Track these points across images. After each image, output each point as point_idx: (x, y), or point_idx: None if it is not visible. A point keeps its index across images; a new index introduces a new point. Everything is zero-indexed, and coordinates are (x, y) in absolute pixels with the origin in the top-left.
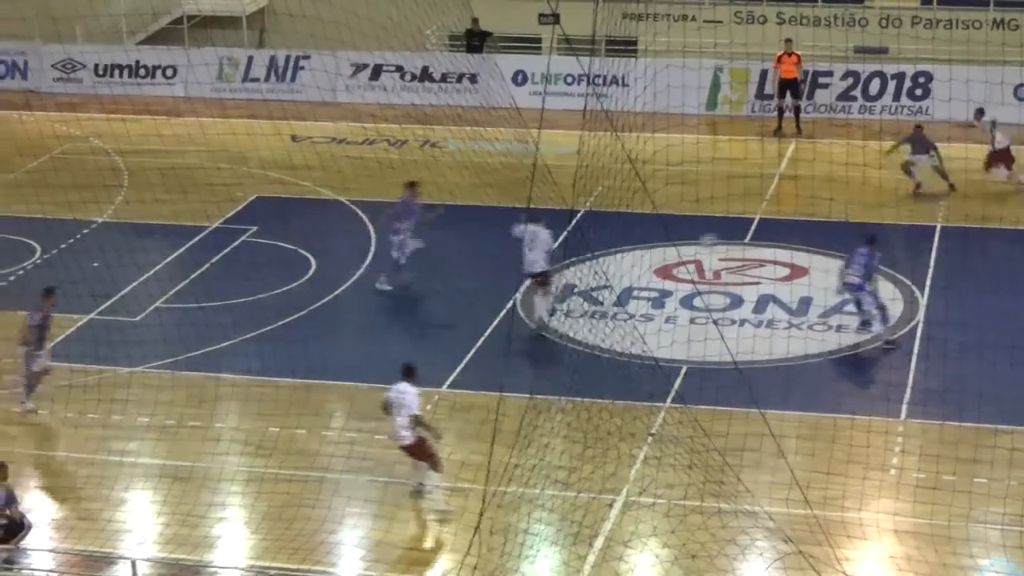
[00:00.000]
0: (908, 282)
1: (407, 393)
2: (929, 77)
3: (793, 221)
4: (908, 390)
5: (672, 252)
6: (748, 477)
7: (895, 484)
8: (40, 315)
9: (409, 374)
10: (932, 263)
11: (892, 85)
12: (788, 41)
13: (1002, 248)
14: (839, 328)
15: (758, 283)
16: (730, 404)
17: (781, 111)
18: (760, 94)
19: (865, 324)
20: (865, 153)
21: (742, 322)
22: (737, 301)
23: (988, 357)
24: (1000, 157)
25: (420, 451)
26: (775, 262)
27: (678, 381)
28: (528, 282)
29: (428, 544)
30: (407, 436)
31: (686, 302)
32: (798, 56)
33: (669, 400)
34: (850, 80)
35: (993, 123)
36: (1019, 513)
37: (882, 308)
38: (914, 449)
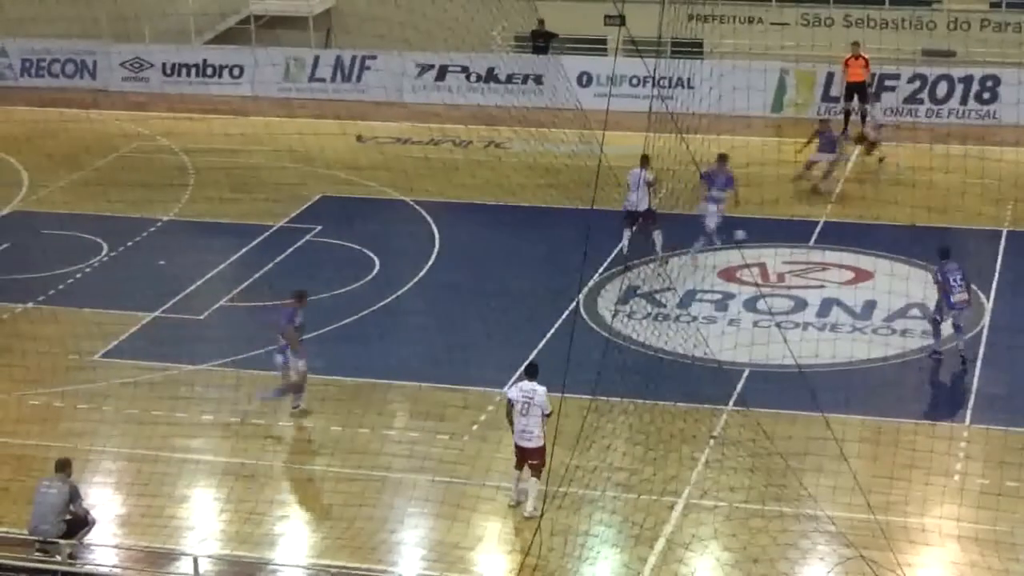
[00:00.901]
0: (973, 287)
1: (537, 392)
2: (997, 80)
3: (858, 225)
4: (972, 395)
5: (736, 254)
6: (810, 481)
7: (958, 490)
8: (300, 317)
9: (533, 373)
10: (998, 268)
11: (960, 88)
12: (856, 44)
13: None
14: (904, 332)
15: (822, 286)
16: (792, 407)
17: (848, 114)
18: (826, 96)
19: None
20: (932, 157)
21: (805, 325)
22: (801, 304)
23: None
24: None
25: (542, 455)
26: (840, 265)
27: (740, 384)
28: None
29: (489, 545)
30: (538, 437)
31: (749, 305)
32: (866, 59)
33: (731, 403)
34: (917, 83)
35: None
36: None
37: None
38: (978, 455)
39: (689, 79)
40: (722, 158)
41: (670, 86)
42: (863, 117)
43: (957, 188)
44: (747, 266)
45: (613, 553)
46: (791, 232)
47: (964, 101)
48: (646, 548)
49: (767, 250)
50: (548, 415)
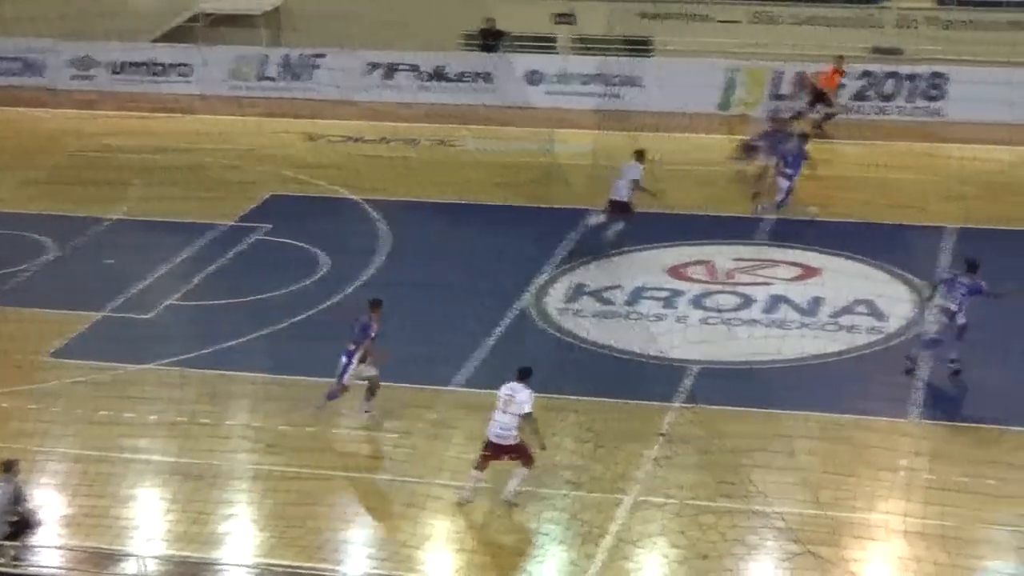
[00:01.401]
0: (922, 283)
1: (519, 391)
2: (944, 78)
3: (806, 222)
4: (920, 391)
5: (684, 252)
6: (759, 477)
7: (905, 485)
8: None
9: (523, 376)
10: (948, 265)
11: (907, 86)
12: (840, 58)
13: (1013, 250)
14: (851, 328)
15: (770, 283)
16: (741, 404)
17: (801, 113)
18: (776, 95)
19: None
20: (881, 154)
21: (753, 322)
22: (749, 301)
23: (999, 358)
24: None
25: (519, 451)
26: (787, 262)
27: (689, 381)
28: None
29: (437, 543)
30: (510, 435)
31: (697, 302)
32: (843, 73)
33: (681, 400)
34: (865, 81)
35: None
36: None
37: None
38: (925, 450)
39: (638, 77)
40: (638, 154)
41: (619, 84)
42: (826, 118)
43: (906, 185)
44: (695, 263)
45: (561, 551)
46: (740, 229)
47: (911, 99)
48: (594, 546)
49: (715, 247)
50: (526, 415)
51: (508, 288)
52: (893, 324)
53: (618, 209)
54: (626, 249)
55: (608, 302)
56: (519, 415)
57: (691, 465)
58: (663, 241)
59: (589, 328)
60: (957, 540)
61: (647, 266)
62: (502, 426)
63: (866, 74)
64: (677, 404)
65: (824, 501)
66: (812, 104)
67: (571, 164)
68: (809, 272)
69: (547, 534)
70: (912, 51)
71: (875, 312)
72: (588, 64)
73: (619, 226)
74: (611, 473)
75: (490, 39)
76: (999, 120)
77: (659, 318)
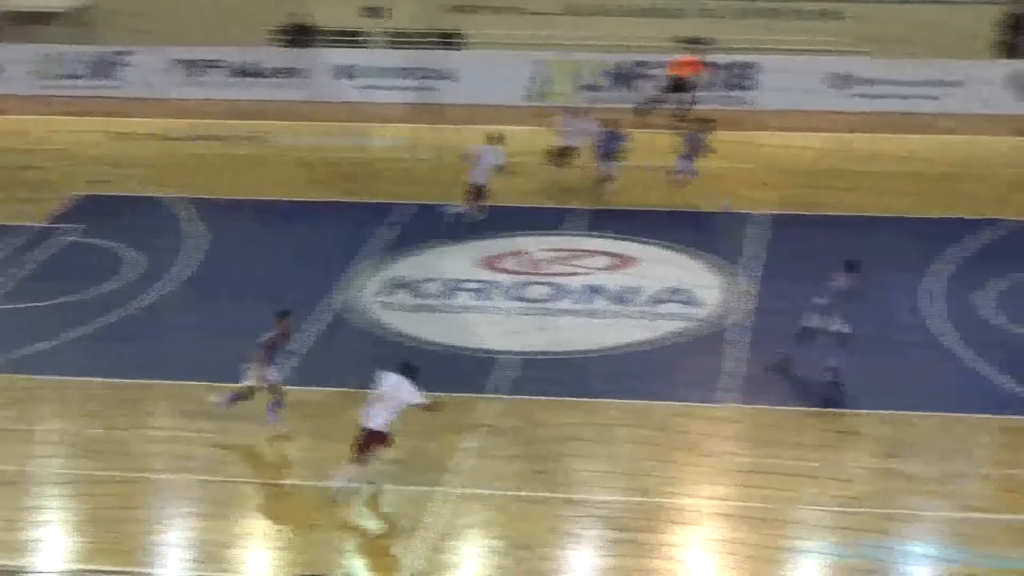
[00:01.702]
0: (734, 269)
1: (404, 386)
2: (754, 67)
3: (620, 211)
4: (735, 375)
5: (498, 243)
6: (578, 466)
7: (723, 469)
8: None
9: (408, 372)
10: (765, 252)
11: (719, 75)
12: (701, 47)
13: (829, 234)
14: (665, 316)
15: (585, 273)
16: (559, 394)
17: (659, 102)
18: (586, 86)
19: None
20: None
21: (568, 312)
22: (564, 291)
23: (814, 342)
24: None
25: (381, 441)
26: (601, 252)
27: (506, 372)
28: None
29: (254, 543)
30: (380, 422)
31: (513, 293)
32: (703, 65)
33: (498, 392)
34: None
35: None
36: (844, 495)
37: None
38: (741, 434)
39: (450, 70)
40: (498, 138)
41: (432, 77)
42: (686, 106)
43: (720, 173)
44: (509, 255)
45: (383, 545)
46: (553, 220)
47: (722, 88)
48: (416, 539)
49: (529, 238)
50: (424, 408)
51: (323, 284)
52: (706, 311)
53: (478, 193)
54: (440, 242)
55: (423, 295)
56: (398, 409)
57: (510, 456)
58: (477, 233)
59: (405, 322)
60: (774, 521)
61: (461, 258)
62: (371, 410)
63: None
64: (495, 395)
65: (643, 487)
66: (669, 92)
67: (384, 158)
68: (623, 261)
69: (368, 528)
70: (721, 41)
71: (688, 300)
72: (399, 58)
73: (465, 208)
74: (432, 466)
75: (299, 34)
76: (810, 108)
77: (475, 310)
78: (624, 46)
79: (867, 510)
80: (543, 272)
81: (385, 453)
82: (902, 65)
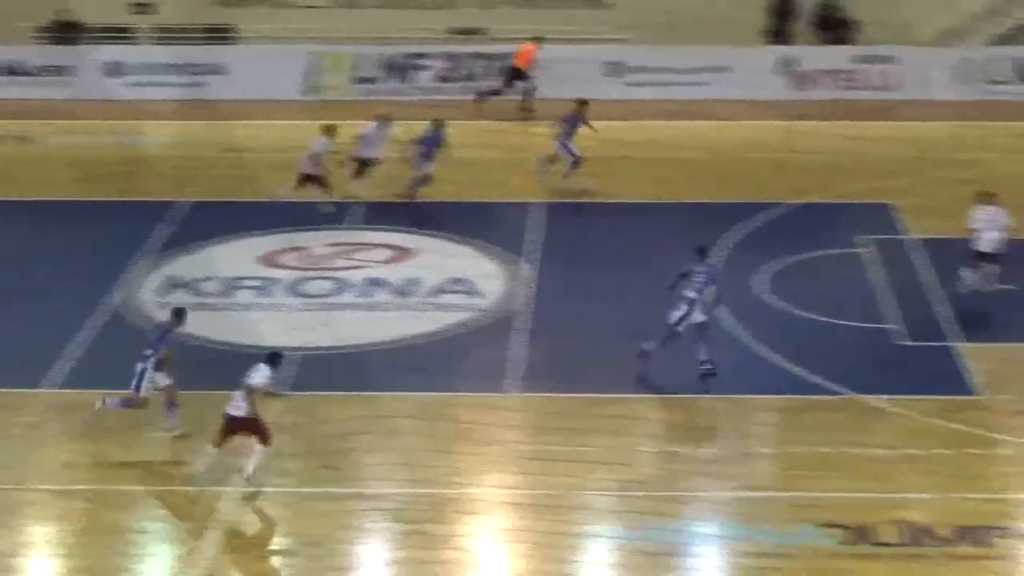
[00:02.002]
0: (514, 259)
1: (258, 368)
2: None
3: (400, 203)
4: (517, 364)
5: (277, 239)
6: (363, 460)
7: (509, 458)
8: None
9: (271, 359)
10: (541, 239)
11: (490, 65)
12: (538, 39)
13: (606, 222)
14: (446, 308)
15: (365, 266)
16: (341, 389)
17: (500, 92)
18: (360, 78)
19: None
20: (467, 134)
21: (350, 306)
22: (344, 285)
23: (593, 328)
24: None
25: (251, 425)
26: (382, 245)
27: (289, 369)
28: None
29: (37, 550)
30: (240, 408)
31: (293, 289)
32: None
33: (286, 389)
34: (449, 62)
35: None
36: (628, 479)
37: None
38: (525, 422)
39: (222, 65)
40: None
41: (203, 73)
42: (531, 95)
43: (498, 163)
44: (288, 250)
45: (167, 549)
46: (332, 214)
47: (495, 78)
48: (201, 540)
49: (308, 233)
50: (249, 389)
51: (99, 284)
52: (487, 301)
53: (308, 181)
54: (218, 240)
55: (202, 294)
56: (245, 387)
57: (295, 453)
58: (255, 229)
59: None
60: (561, 508)
61: (240, 256)
62: (238, 399)
63: (449, 55)
64: (284, 393)
65: (429, 479)
66: (510, 83)
67: (156, 156)
68: (403, 254)
69: (150, 532)
70: (495, 31)
71: (470, 290)
72: (169, 54)
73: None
74: (215, 466)
75: (65, 31)
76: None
77: (255, 307)
78: (399, 38)
79: (651, 493)
80: (324, 267)
81: (259, 447)
82: (673, 52)
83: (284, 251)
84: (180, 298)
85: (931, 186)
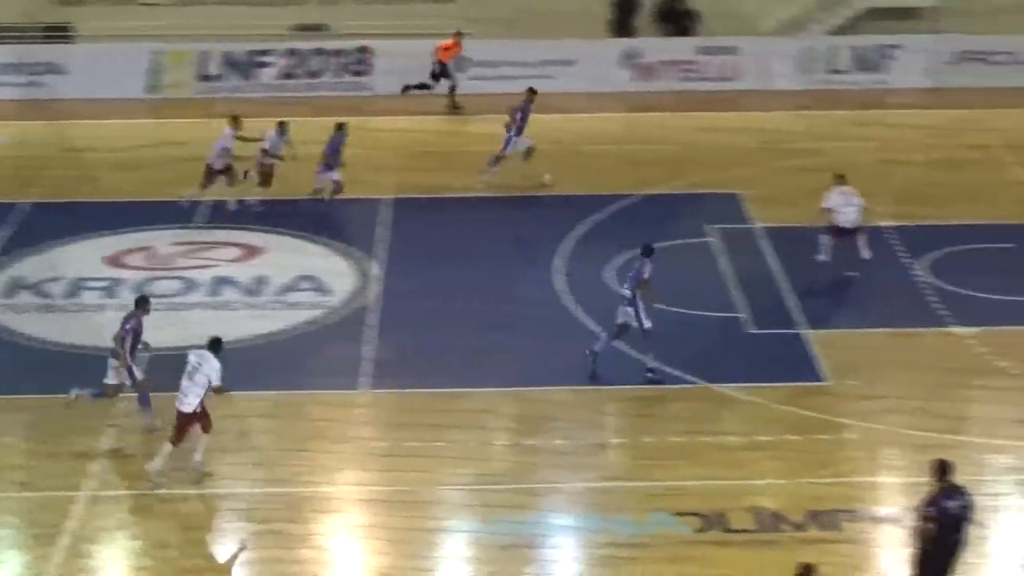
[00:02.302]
0: (362, 255)
1: (208, 361)
2: (370, 52)
3: (247, 201)
4: (369, 362)
5: (123, 239)
6: (216, 460)
7: (362, 455)
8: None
9: (214, 347)
10: (389, 236)
11: (334, 62)
12: (459, 33)
13: (452, 216)
14: (295, 306)
15: (213, 265)
16: None
17: (428, 87)
18: (203, 76)
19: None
20: (310, 131)
21: (198, 305)
22: (192, 285)
23: (443, 324)
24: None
25: (199, 419)
26: (228, 243)
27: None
28: None
29: None
30: (192, 404)
31: (140, 289)
32: (460, 46)
33: (131, 391)
34: (292, 59)
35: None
36: (482, 473)
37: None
38: (377, 419)
39: (61, 64)
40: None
41: (42, 72)
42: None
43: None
44: (134, 251)
45: (16, 555)
46: (177, 213)
47: (339, 74)
48: (49, 547)
49: (153, 232)
50: (214, 389)
51: None
52: (337, 298)
53: (218, 175)
54: (62, 240)
55: (47, 295)
56: (206, 386)
57: (146, 454)
58: (100, 230)
59: (28, 324)
60: (416, 503)
61: (85, 256)
62: (185, 391)
63: (292, 52)
64: (128, 393)
65: (282, 478)
66: (436, 78)
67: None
68: (251, 252)
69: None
70: (336, 27)
71: (319, 287)
72: (6, 53)
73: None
74: (61, 470)
75: None
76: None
77: (102, 308)
78: (242, 35)
79: (506, 486)
80: (171, 267)
81: (203, 435)
82: (518, 46)
83: (131, 251)
84: (25, 300)
85: (775, 175)
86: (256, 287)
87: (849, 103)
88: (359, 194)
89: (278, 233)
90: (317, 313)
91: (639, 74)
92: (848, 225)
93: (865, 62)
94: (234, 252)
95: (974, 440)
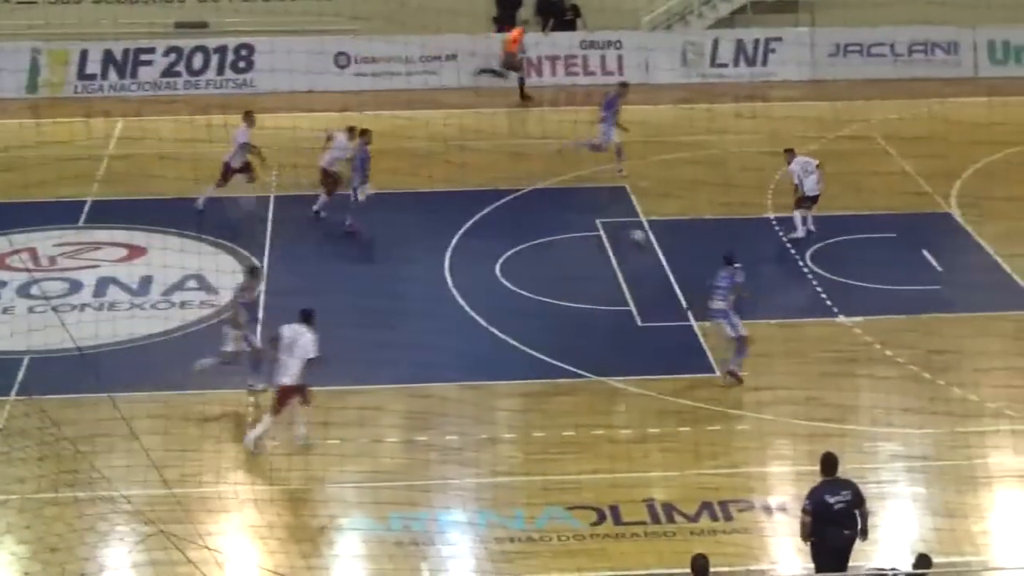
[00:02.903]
0: (248, 253)
1: (304, 335)
2: (251, 49)
3: (128, 201)
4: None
5: (3, 241)
6: (103, 463)
7: (251, 454)
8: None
9: (307, 318)
10: (268, 232)
11: (215, 59)
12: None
13: (335, 214)
14: (182, 305)
15: (96, 266)
16: (77, 391)
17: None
18: (83, 75)
19: None
20: (193, 129)
21: (83, 307)
22: (76, 286)
23: (330, 321)
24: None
25: (298, 393)
26: (112, 243)
27: (21, 373)
28: None
29: None
30: (292, 377)
31: (22, 291)
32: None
33: (13, 393)
34: (173, 56)
35: None
36: (373, 470)
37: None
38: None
39: None
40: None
41: None
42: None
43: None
44: (16, 252)
45: None
46: (59, 214)
47: (221, 71)
48: None
49: (36, 234)
50: (312, 360)
51: None
52: (225, 297)
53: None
54: None
55: None
56: (303, 359)
57: (30, 458)
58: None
59: None
60: (307, 502)
61: None
62: (278, 367)
63: (173, 50)
64: (11, 397)
65: (173, 479)
66: (506, 69)
67: None
68: (136, 252)
69: None
70: (217, 24)
71: (205, 286)
72: None
73: None
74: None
75: None
76: (309, 88)
77: None
78: (122, 33)
79: (398, 483)
80: (55, 267)
81: (304, 407)
82: (401, 41)
83: (12, 252)
84: None
85: (660, 168)
86: (142, 287)
87: (732, 96)
88: (246, 192)
89: (163, 232)
90: (205, 312)
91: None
92: (814, 192)
93: (747, 55)
94: (119, 252)
95: (861, 428)
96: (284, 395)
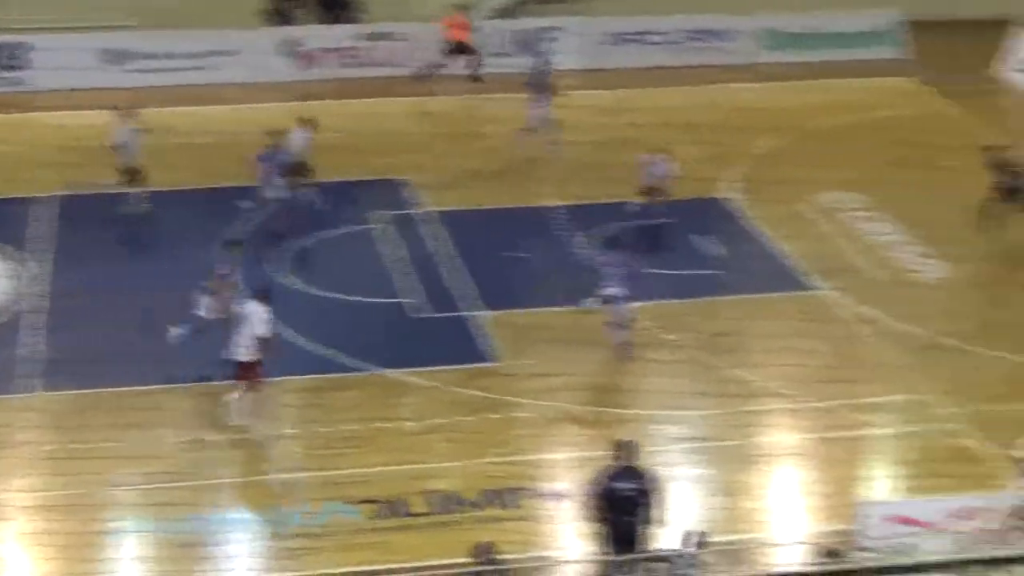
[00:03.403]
0: (22, 255)
1: (255, 313)
2: (28, 47)
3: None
4: (35, 363)
5: None
6: None
7: (29, 459)
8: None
9: (261, 295)
10: (52, 233)
11: None
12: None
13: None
14: None
15: None
16: None
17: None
18: None
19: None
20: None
21: None
22: None
23: (112, 322)
24: None
25: (252, 371)
26: None
27: None
28: None
29: None
30: (246, 353)
31: None
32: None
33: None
34: None
35: None
36: (155, 471)
37: None
38: (45, 421)
39: None
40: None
41: None
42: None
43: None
44: None
45: None
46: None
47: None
48: None
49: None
50: (261, 338)
51: None
52: None
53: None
54: None
55: None
56: (254, 335)
57: None
58: None
59: None
60: (89, 506)
61: None
62: (233, 343)
63: None
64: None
65: None
66: (449, 55)
67: None
68: None
69: None
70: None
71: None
72: None
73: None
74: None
75: None
76: (85, 86)
77: None
78: None
79: (180, 483)
80: None
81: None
82: (177, 37)
83: None
84: None
85: (442, 159)
86: None
87: (510, 87)
88: (19, 193)
89: None
90: None
91: (299, 62)
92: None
93: (526, 45)
94: None
95: (644, 412)
96: (242, 371)
